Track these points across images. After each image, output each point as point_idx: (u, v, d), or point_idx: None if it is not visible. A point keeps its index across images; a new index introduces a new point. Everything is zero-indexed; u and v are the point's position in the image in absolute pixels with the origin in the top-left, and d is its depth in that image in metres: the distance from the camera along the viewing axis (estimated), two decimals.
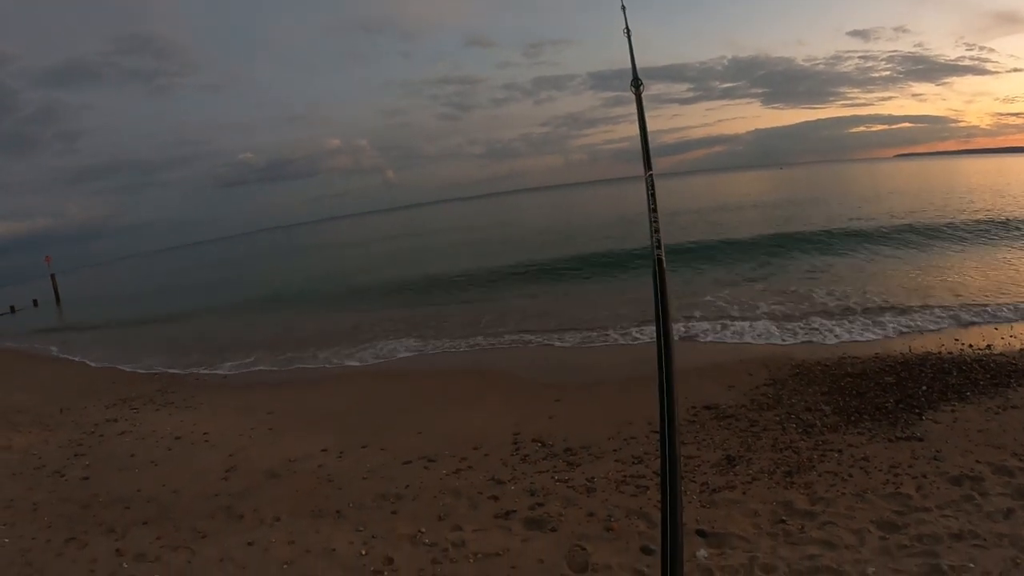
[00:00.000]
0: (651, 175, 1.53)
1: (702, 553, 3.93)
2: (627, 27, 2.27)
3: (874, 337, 8.77)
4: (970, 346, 7.66)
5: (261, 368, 11.51)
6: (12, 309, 33.89)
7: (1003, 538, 3.65)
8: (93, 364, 14.25)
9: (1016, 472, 4.35)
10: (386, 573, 4.04)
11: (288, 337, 14.12)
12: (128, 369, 12.95)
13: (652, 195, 1.47)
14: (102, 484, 6.01)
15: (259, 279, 30.50)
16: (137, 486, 5.91)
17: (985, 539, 3.67)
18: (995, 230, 17.60)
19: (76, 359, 15.35)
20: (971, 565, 3.44)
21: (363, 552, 4.32)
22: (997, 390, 5.85)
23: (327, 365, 11.11)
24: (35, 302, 35.81)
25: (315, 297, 21.06)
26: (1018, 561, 3.43)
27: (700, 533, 4.16)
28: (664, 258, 1.36)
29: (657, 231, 1.40)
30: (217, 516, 5.12)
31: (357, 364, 10.94)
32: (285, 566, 4.21)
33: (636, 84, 1.94)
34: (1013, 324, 8.62)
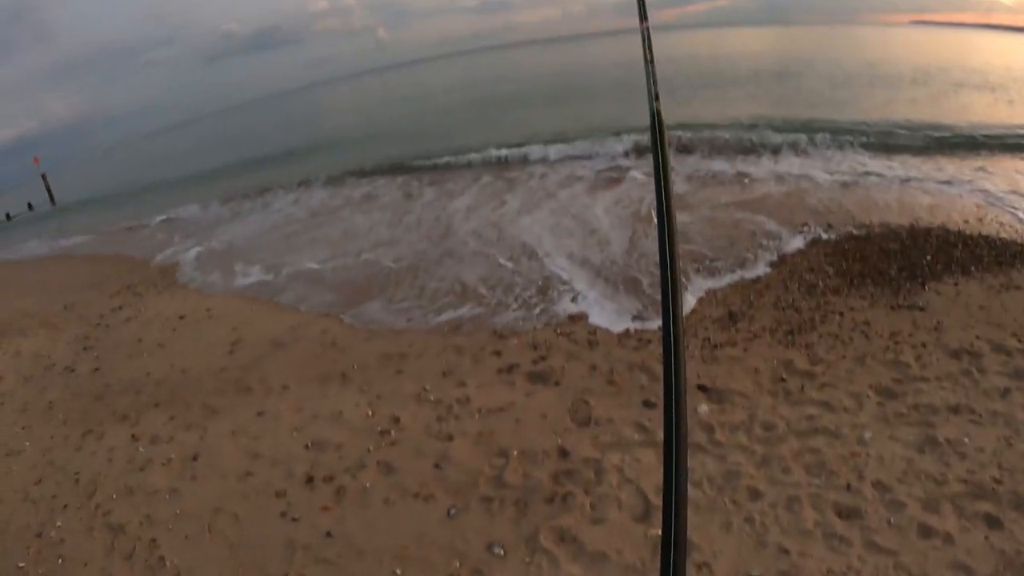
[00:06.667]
0: (647, 27, 1.45)
1: (703, 408, 3.96)
2: None
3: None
4: (979, 220, 6.94)
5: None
6: (8, 216, 32.93)
7: (998, 416, 3.61)
8: (93, 255, 14.07)
9: (1015, 353, 4.26)
10: (393, 432, 4.04)
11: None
12: (129, 255, 12.79)
13: (648, 47, 1.39)
14: (112, 373, 6.04)
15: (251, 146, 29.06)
16: (146, 370, 5.93)
17: (981, 415, 3.65)
18: None
19: (79, 255, 15.17)
20: (966, 440, 3.46)
21: (370, 413, 4.31)
22: (1001, 268, 5.66)
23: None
24: (30, 205, 34.59)
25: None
26: (1011, 441, 3.40)
27: (701, 388, 4.16)
28: (661, 111, 1.23)
29: (655, 83, 1.31)
30: (226, 391, 5.14)
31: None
32: (295, 433, 4.23)
33: None
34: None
